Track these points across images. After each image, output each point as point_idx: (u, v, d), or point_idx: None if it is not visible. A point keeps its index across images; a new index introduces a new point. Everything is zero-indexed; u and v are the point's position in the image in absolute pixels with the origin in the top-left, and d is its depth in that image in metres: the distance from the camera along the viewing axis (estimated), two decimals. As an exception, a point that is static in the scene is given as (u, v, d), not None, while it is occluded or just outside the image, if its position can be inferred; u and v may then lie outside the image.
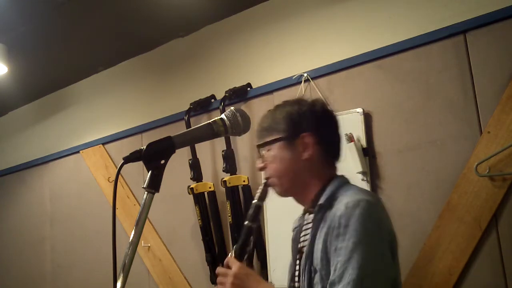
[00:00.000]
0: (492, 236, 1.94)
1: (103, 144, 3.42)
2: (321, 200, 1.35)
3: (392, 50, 2.25)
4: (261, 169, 1.44)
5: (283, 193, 1.43)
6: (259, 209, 1.42)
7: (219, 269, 1.36)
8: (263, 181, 1.43)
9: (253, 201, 1.43)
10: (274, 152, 1.40)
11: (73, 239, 3.52)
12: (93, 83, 3.58)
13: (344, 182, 1.41)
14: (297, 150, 1.39)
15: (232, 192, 2.61)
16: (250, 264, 2.53)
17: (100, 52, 3.27)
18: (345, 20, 2.45)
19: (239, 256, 1.38)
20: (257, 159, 1.47)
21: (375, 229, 1.22)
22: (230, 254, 1.39)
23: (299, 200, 1.45)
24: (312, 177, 1.40)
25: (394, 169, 2.20)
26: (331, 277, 1.20)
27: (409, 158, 2.16)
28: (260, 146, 1.43)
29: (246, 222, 1.42)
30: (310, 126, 1.39)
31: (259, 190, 1.43)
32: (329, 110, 1.49)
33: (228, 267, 1.34)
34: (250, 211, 1.42)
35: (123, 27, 2.94)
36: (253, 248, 2.58)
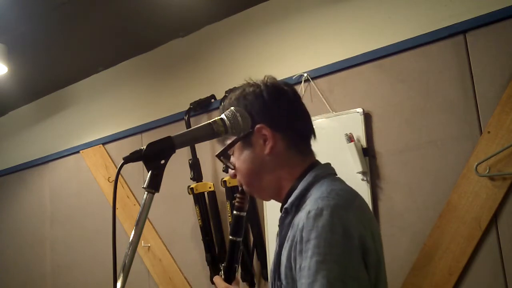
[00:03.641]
0: (492, 236, 1.94)
1: (103, 144, 3.42)
2: (288, 203, 1.17)
3: (392, 50, 2.25)
4: (233, 177, 1.28)
5: (261, 197, 1.29)
6: (241, 220, 1.29)
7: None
8: (239, 189, 1.29)
9: (233, 212, 1.29)
10: (236, 156, 1.24)
11: (73, 239, 3.52)
12: (93, 83, 3.58)
13: (319, 175, 1.18)
14: (258, 146, 1.20)
15: (232, 192, 2.61)
16: (248, 255, 2.52)
17: (100, 52, 3.27)
18: (345, 20, 2.45)
19: (228, 275, 1.28)
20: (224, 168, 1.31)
21: (340, 242, 1.01)
22: (220, 273, 1.30)
23: (279, 201, 1.25)
24: (283, 171, 1.21)
25: (394, 169, 2.20)
26: None
27: (409, 158, 2.16)
28: (219, 156, 1.25)
29: (230, 237, 1.30)
30: (261, 114, 1.19)
31: (236, 199, 1.29)
32: (277, 86, 1.24)
33: None
34: (232, 224, 1.30)
35: (123, 27, 2.94)
36: (253, 246, 2.58)
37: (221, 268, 1.31)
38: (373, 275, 1.06)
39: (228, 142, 1.24)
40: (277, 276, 1.14)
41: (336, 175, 1.25)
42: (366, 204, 1.18)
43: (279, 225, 1.21)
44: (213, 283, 1.38)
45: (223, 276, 1.28)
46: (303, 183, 1.18)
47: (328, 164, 1.26)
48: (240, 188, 1.28)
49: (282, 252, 1.13)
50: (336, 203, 1.06)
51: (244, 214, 1.29)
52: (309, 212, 1.05)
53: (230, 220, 2.61)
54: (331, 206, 1.05)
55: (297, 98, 1.27)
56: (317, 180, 1.17)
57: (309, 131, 1.26)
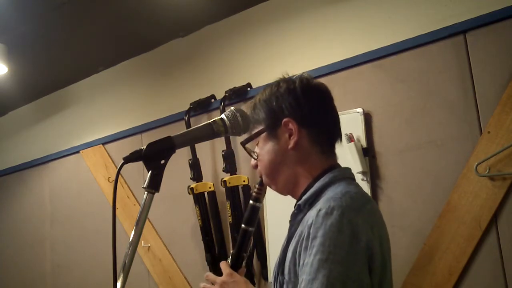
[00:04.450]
0: (492, 236, 1.94)
1: (103, 144, 3.42)
2: (301, 200, 1.19)
3: (392, 50, 2.25)
4: (254, 167, 1.30)
5: (279, 190, 1.29)
6: (255, 210, 1.30)
7: (209, 276, 1.26)
8: (258, 179, 1.31)
9: (250, 202, 1.30)
10: (261, 146, 1.25)
11: (72, 239, 3.52)
12: (93, 83, 3.57)
13: (337, 177, 1.19)
14: (283, 139, 1.21)
15: (232, 192, 2.61)
16: (249, 268, 2.53)
17: (100, 52, 3.26)
18: (345, 20, 2.45)
19: (235, 263, 1.29)
20: (249, 156, 1.28)
21: (346, 243, 1.02)
22: (227, 259, 1.30)
23: (295, 197, 1.26)
24: (303, 168, 1.22)
25: (394, 169, 2.20)
26: None
27: (409, 158, 2.16)
28: (244, 144, 1.25)
29: (242, 226, 1.31)
30: (291, 109, 1.20)
31: (255, 190, 1.29)
32: (312, 84, 1.27)
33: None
34: (246, 213, 1.31)
35: (123, 27, 2.94)
36: (253, 251, 2.58)
37: (230, 255, 1.31)
38: (377, 280, 1.07)
39: (255, 131, 1.25)
40: (281, 271, 1.15)
41: (354, 180, 1.26)
42: (378, 210, 1.19)
43: (290, 221, 1.23)
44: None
45: (230, 263, 1.29)
46: (319, 182, 1.19)
47: (348, 168, 1.26)
48: (260, 179, 1.28)
49: (289, 248, 1.14)
50: (348, 205, 1.07)
51: (260, 205, 1.30)
52: (319, 210, 1.06)
53: (230, 220, 2.61)
54: (342, 207, 1.05)
55: (329, 99, 1.28)
56: (334, 181, 1.18)
57: (336, 134, 1.27)
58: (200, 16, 2.87)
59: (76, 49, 3.15)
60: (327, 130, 1.25)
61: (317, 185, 1.19)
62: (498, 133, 1.95)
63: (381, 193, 2.21)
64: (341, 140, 1.28)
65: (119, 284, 1.01)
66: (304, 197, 1.19)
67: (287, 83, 1.25)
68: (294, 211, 1.22)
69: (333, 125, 1.27)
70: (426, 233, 2.08)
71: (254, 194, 1.29)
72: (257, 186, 1.29)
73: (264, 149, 1.25)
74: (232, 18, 2.88)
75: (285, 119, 1.21)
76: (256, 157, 1.27)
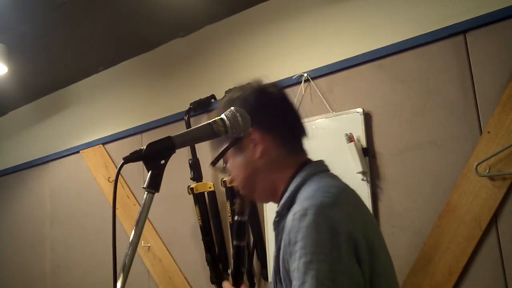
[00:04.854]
0: (492, 236, 1.94)
1: (103, 144, 3.42)
2: (279, 206, 1.18)
3: (392, 50, 2.25)
4: (230, 182, 1.29)
5: (259, 200, 1.29)
6: (242, 225, 1.30)
7: None
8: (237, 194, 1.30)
9: (234, 218, 1.31)
10: (231, 162, 1.25)
11: (72, 239, 3.52)
12: (93, 83, 3.58)
13: (309, 174, 1.18)
14: (249, 150, 1.21)
15: (232, 192, 2.61)
16: (248, 255, 2.53)
17: (100, 52, 3.27)
18: (345, 20, 2.45)
19: (236, 280, 1.30)
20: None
21: (327, 239, 1.01)
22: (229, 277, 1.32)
23: (277, 203, 1.24)
24: (276, 173, 1.21)
25: (394, 169, 2.20)
26: None
27: (409, 158, 2.16)
28: (213, 164, 1.25)
29: (233, 242, 1.31)
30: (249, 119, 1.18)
31: (236, 205, 1.30)
32: (263, 87, 1.25)
33: None
34: (234, 230, 1.31)
35: (123, 27, 2.94)
36: (253, 251, 2.58)
37: (229, 273, 1.33)
38: (367, 268, 1.05)
39: (221, 150, 1.24)
40: (278, 280, 1.15)
41: (329, 171, 1.25)
42: (357, 198, 1.17)
43: (274, 229, 1.22)
44: (213, 283, 1.39)
45: (232, 281, 1.30)
46: (293, 184, 1.18)
47: (320, 162, 1.25)
48: (238, 193, 1.29)
49: (279, 256, 1.13)
50: (322, 201, 1.06)
51: (246, 218, 1.31)
52: (294, 213, 1.05)
53: (230, 220, 2.61)
54: (316, 205, 1.04)
55: (284, 98, 1.27)
56: (307, 179, 1.17)
57: (300, 130, 1.26)
58: (200, 16, 2.87)
59: (76, 49, 3.16)
60: (290, 129, 1.25)
61: (290, 188, 1.18)
62: (498, 133, 1.95)
63: (381, 193, 2.21)
64: (306, 135, 1.26)
65: (119, 284, 1.01)
66: (281, 203, 1.18)
67: (239, 90, 1.25)
68: (275, 218, 1.21)
69: (295, 122, 1.26)
70: (426, 233, 2.08)
71: (236, 209, 1.30)
72: (236, 201, 1.30)
73: (234, 164, 1.25)
74: (232, 18, 2.88)
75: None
76: (229, 174, 1.28)
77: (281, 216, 1.18)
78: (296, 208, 1.07)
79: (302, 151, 1.26)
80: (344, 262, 1.01)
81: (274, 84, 1.30)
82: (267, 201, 1.29)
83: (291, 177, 1.20)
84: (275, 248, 1.21)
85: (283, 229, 1.14)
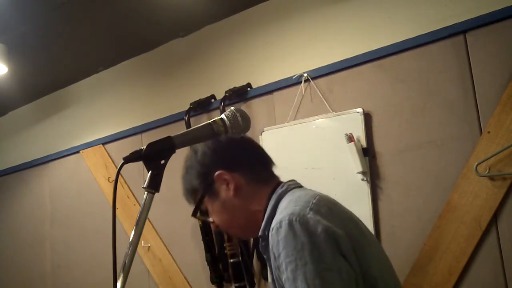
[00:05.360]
0: (492, 236, 1.94)
1: (103, 144, 3.42)
2: (260, 231, 1.23)
3: (392, 50, 2.25)
4: (215, 228, 1.35)
5: (248, 236, 1.35)
6: (238, 266, 1.36)
7: None
8: (225, 237, 1.35)
9: (229, 261, 1.37)
10: (210, 207, 1.32)
11: (73, 239, 3.52)
12: (93, 83, 3.58)
13: (281, 195, 1.24)
14: (222, 191, 1.28)
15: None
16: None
17: (100, 52, 3.26)
18: (345, 20, 2.45)
19: None
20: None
21: (306, 242, 1.04)
22: None
23: None
24: (254, 205, 1.27)
25: (394, 169, 2.20)
26: None
27: (409, 158, 2.16)
28: (194, 216, 1.33)
29: (234, 286, 1.36)
30: (215, 164, 1.28)
31: (227, 248, 1.36)
32: (215, 133, 1.25)
33: None
34: (232, 272, 1.37)
35: (123, 27, 2.94)
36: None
37: None
38: (354, 259, 1.07)
39: (197, 199, 1.31)
40: None
41: (301, 186, 1.29)
42: (332, 200, 1.20)
43: (263, 254, 1.25)
44: (213, 283, 1.41)
45: None
46: (269, 208, 1.23)
47: (291, 180, 1.30)
48: (226, 237, 1.35)
49: (274, 277, 1.16)
50: (293, 210, 1.09)
51: (239, 259, 1.38)
52: (271, 229, 1.10)
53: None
54: (288, 215, 1.08)
55: (241, 138, 1.34)
56: (279, 199, 1.22)
57: (265, 160, 1.33)
58: (200, 16, 2.87)
59: (76, 49, 3.15)
60: (254, 161, 1.31)
61: (267, 211, 1.22)
62: (498, 133, 1.95)
63: (381, 193, 2.21)
64: (273, 164, 1.33)
65: (119, 284, 1.01)
66: (261, 227, 1.22)
67: (200, 147, 1.33)
68: (261, 243, 1.24)
69: (257, 154, 1.33)
70: (426, 233, 2.08)
71: (228, 252, 1.36)
72: (226, 244, 1.36)
73: (214, 209, 1.31)
74: (232, 18, 2.88)
75: (216, 173, 1.27)
76: (212, 221, 1.33)
77: (264, 240, 1.21)
78: (273, 224, 1.11)
79: (272, 178, 1.32)
80: (328, 258, 1.04)
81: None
82: (255, 235, 1.30)
83: (266, 201, 1.25)
84: (269, 271, 1.24)
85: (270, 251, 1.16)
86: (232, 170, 1.27)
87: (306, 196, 1.16)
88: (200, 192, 1.30)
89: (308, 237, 1.04)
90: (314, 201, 1.13)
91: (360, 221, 1.21)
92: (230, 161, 1.28)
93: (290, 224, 1.06)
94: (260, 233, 1.22)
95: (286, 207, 1.13)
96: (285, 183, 1.29)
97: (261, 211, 1.25)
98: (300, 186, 1.28)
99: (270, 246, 1.11)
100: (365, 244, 1.12)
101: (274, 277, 1.16)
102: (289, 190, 1.24)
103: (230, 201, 1.27)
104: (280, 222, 1.08)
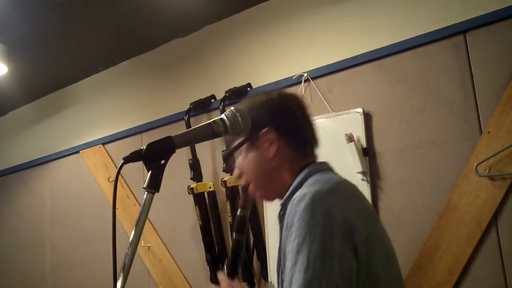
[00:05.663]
0: (492, 236, 1.94)
1: (103, 144, 3.42)
2: (283, 199, 1.25)
3: (392, 50, 2.25)
4: (238, 177, 1.35)
5: (264, 198, 1.34)
6: (244, 219, 1.36)
7: None
8: (242, 189, 1.35)
9: (238, 211, 1.37)
10: (243, 156, 1.31)
11: (73, 239, 3.52)
12: (93, 83, 3.58)
13: (312, 171, 1.24)
14: (263, 148, 1.28)
15: (232, 192, 2.61)
16: (248, 255, 2.53)
17: (100, 52, 3.27)
18: (345, 20, 2.45)
19: (231, 272, 1.34)
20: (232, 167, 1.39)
21: (321, 222, 1.05)
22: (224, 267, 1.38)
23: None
24: (285, 173, 1.28)
25: (394, 169, 2.20)
26: (284, 284, 1.09)
27: (409, 158, 2.16)
28: (225, 156, 1.33)
29: (234, 234, 1.36)
30: (268, 121, 1.27)
31: (240, 200, 1.36)
32: (287, 95, 1.34)
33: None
34: (236, 222, 1.37)
35: (123, 27, 2.94)
36: (253, 251, 2.58)
37: (225, 265, 1.35)
38: (364, 252, 1.07)
39: (236, 143, 1.30)
40: (281, 270, 1.18)
41: (332, 170, 1.30)
42: (358, 191, 1.21)
43: (279, 222, 1.25)
44: (213, 282, 1.41)
45: (226, 271, 1.33)
46: (297, 179, 1.24)
47: (324, 162, 1.31)
48: (243, 188, 1.33)
49: (282, 248, 1.16)
50: (319, 189, 1.11)
51: (248, 213, 1.36)
52: (293, 199, 1.11)
53: (230, 220, 2.61)
54: (314, 192, 1.10)
55: (304, 109, 1.34)
56: (309, 175, 1.23)
57: (312, 140, 1.33)
58: (200, 16, 2.87)
59: (76, 49, 3.16)
60: (303, 137, 1.32)
61: (294, 183, 1.24)
62: (498, 133, 1.95)
63: (381, 193, 2.21)
64: (317, 146, 1.34)
65: (119, 284, 1.01)
66: (285, 196, 1.24)
67: (265, 95, 1.32)
68: (280, 211, 1.26)
69: (309, 132, 1.33)
70: (426, 233, 2.08)
71: (241, 203, 1.36)
72: (242, 195, 1.35)
73: (246, 159, 1.31)
74: (232, 18, 2.88)
75: (264, 129, 1.27)
76: (238, 168, 1.33)
77: (284, 209, 1.21)
78: (295, 196, 1.12)
79: (311, 155, 1.32)
80: (336, 245, 1.04)
81: (296, 94, 1.38)
82: (272, 199, 1.33)
83: (296, 174, 1.26)
84: (279, 241, 1.23)
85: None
86: (281, 134, 1.27)
87: (336, 180, 1.19)
88: (241, 138, 1.29)
89: (326, 218, 1.06)
90: (342, 187, 1.16)
91: (378, 218, 1.23)
92: (284, 126, 1.28)
93: (313, 200, 1.07)
94: (282, 201, 1.25)
95: (313, 184, 1.15)
96: (319, 162, 1.31)
97: (288, 181, 1.26)
98: (331, 169, 1.30)
99: (286, 214, 1.12)
100: (378, 241, 1.14)
101: (281, 244, 1.16)
102: (320, 170, 1.25)
103: (264, 160, 1.28)
104: (304, 195, 1.09)
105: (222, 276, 1.33)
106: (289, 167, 1.27)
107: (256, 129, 1.26)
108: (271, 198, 1.34)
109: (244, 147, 1.30)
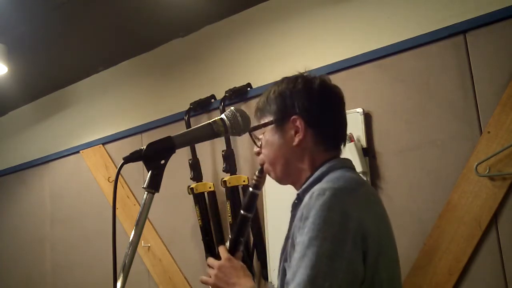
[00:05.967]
0: (492, 236, 1.94)
1: (103, 144, 3.42)
2: (300, 190, 1.24)
3: (392, 50, 2.25)
4: (257, 154, 1.33)
5: (278, 180, 1.32)
6: (254, 197, 1.34)
7: (209, 260, 1.33)
8: (259, 167, 1.33)
9: (249, 189, 1.34)
10: (267, 136, 1.28)
11: (73, 239, 3.52)
12: (93, 83, 3.57)
13: (334, 167, 1.22)
14: (288, 134, 1.25)
15: (232, 192, 2.61)
16: (248, 255, 2.53)
17: (100, 52, 3.27)
18: (345, 20, 2.45)
19: (233, 247, 1.33)
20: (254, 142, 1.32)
21: (337, 220, 1.04)
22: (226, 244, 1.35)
23: (296, 188, 1.30)
24: (305, 164, 1.25)
25: (394, 169, 2.20)
26: (287, 275, 1.09)
27: (409, 158, 2.16)
28: (250, 131, 1.28)
29: (241, 212, 1.34)
30: (302, 107, 1.24)
31: (255, 177, 1.33)
32: (328, 87, 1.29)
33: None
34: (245, 200, 1.35)
35: (123, 27, 2.94)
36: (253, 251, 2.58)
37: (228, 239, 1.36)
38: (372, 261, 1.07)
39: (264, 121, 1.28)
40: (284, 258, 1.18)
41: (354, 169, 1.29)
42: (374, 192, 1.23)
43: (291, 211, 1.26)
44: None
45: (228, 247, 1.33)
46: (318, 172, 1.22)
47: (348, 159, 1.30)
48: (260, 167, 1.32)
49: (290, 235, 1.17)
50: (340, 186, 1.10)
51: (259, 192, 1.34)
52: (313, 193, 1.09)
53: (230, 220, 2.61)
54: (334, 189, 1.09)
55: (341, 103, 1.31)
56: (331, 170, 1.21)
57: (340, 137, 1.30)
58: (200, 16, 2.87)
59: (76, 49, 3.16)
60: (332, 132, 1.28)
61: (315, 174, 1.22)
62: (498, 133, 1.95)
63: (381, 193, 2.20)
64: (345, 144, 1.32)
65: (119, 284, 1.01)
66: (303, 187, 1.23)
67: (305, 81, 1.27)
68: (294, 200, 1.25)
69: (340, 128, 1.30)
70: (426, 233, 2.08)
71: (254, 181, 1.33)
72: (257, 173, 1.32)
73: (269, 139, 1.28)
74: (232, 18, 2.88)
75: (294, 116, 1.23)
76: (259, 145, 1.31)
77: (299, 199, 1.21)
78: (315, 189, 1.10)
79: (335, 150, 1.30)
80: (347, 247, 1.03)
81: (337, 86, 1.33)
82: (284, 183, 1.32)
83: (318, 167, 1.24)
84: (288, 229, 1.24)
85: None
86: (310, 125, 1.24)
87: (357, 181, 1.18)
88: (269, 117, 1.27)
89: (342, 218, 1.05)
90: (361, 189, 1.15)
91: (390, 224, 1.22)
92: (314, 116, 1.24)
93: (332, 197, 1.06)
94: (299, 191, 1.23)
95: (334, 180, 1.14)
96: (342, 158, 1.29)
97: (306, 172, 1.25)
98: (353, 168, 1.29)
99: (301, 205, 1.11)
100: (388, 248, 1.15)
101: (291, 233, 1.16)
102: (343, 167, 1.24)
103: (287, 146, 1.25)
104: (325, 190, 1.08)
105: (222, 248, 1.33)
106: (309, 158, 1.25)
107: (287, 114, 1.24)
108: (284, 183, 1.32)
109: (271, 127, 1.27)
